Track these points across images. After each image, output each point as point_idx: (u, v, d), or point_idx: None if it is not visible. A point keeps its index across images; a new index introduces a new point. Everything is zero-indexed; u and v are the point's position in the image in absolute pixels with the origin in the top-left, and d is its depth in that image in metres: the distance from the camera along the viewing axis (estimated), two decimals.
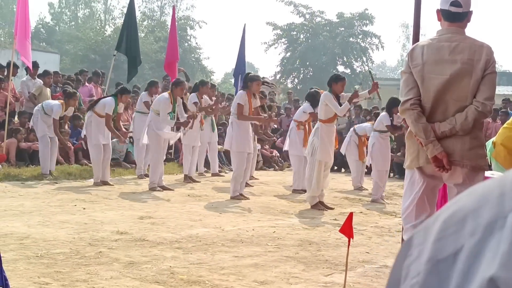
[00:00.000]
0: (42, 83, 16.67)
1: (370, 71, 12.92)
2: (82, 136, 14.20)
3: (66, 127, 14.71)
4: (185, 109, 13.24)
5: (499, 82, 39.22)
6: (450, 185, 5.08)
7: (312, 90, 13.63)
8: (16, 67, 16.33)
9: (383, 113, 13.02)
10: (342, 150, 14.67)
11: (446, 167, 4.89)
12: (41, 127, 13.58)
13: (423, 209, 5.12)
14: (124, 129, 14.10)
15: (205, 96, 15.14)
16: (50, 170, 13.58)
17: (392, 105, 12.64)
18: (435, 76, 4.94)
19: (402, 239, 5.36)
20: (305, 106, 13.66)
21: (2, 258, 3.85)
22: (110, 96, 13.43)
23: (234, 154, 11.96)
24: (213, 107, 14.82)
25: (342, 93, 11.02)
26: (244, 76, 12.70)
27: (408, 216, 5.18)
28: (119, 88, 13.85)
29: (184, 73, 18.38)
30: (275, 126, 19.28)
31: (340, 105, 10.88)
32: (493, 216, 0.73)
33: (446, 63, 4.91)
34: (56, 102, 13.64)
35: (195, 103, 14.51)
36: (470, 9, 5.05)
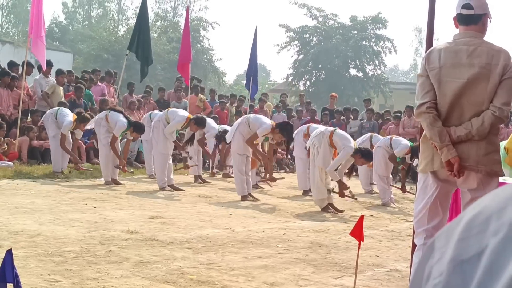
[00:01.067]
0: (55, 81, 16.74)
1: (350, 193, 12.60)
2: (87, 127, 14.20)
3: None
4: (192, 140, 13.38)
5: None
6: (464, 190, 5.04)
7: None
8: (30, 66, 16.40)
9: (405, 144, 12.53)
10: None
11: (455, 173, 4.86)
12: (53, 127, 13.64)
13: (436, 214, 5.09)
14: (125, 163, 13.87)
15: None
16: (61, 169, 13.63)
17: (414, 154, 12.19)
18: (452, 79, 4.92)
19: (413, 243, 5.33)
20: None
21: (13, 255, 3.87)
22: (126, 119, 13.24)
23: (235, 154, 12.01)
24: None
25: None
26: (282, 123, 12.52)
27: (420, 220, 5.15)
28: (137, 123, 13.64)
29: (196, 78, 18.51)
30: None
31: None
32: None
33: (463, 67, 4.89)
34: (69, 118, 13.56)
35: None
36: (485, 12, 5.02)
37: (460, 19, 5.04)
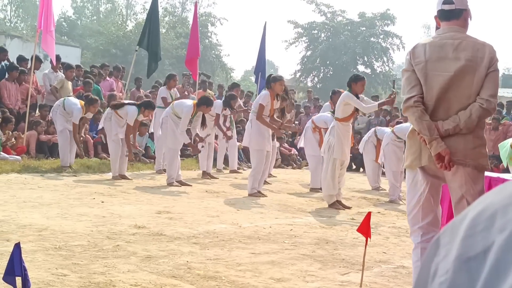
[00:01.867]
0: (64, 76, 16.77)
1: (394, 81, 12.73)
2: (99, 128, 14.21)
3: (83, 132, 14.59)
4: (204, 122, 13.34)
5: (506, 84, 38.78)
6: (454, 187, 5.01)
7: (335, 90, 13.70)
8: (38, 60, 16.42)
9: (408, 125, 12.79)
10: (360, 149, 14.58)
11: (447, 165, 4.84)
12: (60, 121, 13.64)
13: (430, 210, 5.07)
14: (137, 144, 14.01)
15: (174, 89, 15.57)
16: (69, 163, 13.64)
17: None
18: (438, 73, 4.91)
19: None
20: (326, 105, 13.74)
21: (21, 248, 3.88)
22: (134, 105, 13.34)
23: (254, 151, 11.99)
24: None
25: (362, 95, 10.96)
26: (267, 77, 12.72)
27: (414, 217, 5.13)
28: (145, 101, 13.78)
29: (204, 74, 18.51)
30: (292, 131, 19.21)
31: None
32: None
33: (449, 60, 4.88)
34: (77, 105, 13.52)
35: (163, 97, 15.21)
36: (466, 8, 5.03)
37: (442, 15, 5.06)
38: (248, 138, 12.22)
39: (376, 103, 10.93)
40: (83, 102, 13.65)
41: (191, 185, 12.57)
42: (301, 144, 14.62)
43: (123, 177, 12.90)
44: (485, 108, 4.78)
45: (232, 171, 16.02)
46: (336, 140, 10.84)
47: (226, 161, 16.49)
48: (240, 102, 15.62)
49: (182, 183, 12.61)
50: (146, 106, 13.23)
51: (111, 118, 13.07)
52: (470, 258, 0.74)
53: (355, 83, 10.85)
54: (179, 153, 13.01)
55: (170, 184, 12.42)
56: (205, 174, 14.43)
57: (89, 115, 14.16)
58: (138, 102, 13.56)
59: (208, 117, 13.85)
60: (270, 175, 14.99)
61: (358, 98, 10.87)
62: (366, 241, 5.64)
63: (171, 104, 13.34)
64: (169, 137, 12.74)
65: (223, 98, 15.84)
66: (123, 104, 13.31)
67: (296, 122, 18.37)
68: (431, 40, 5.04)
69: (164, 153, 14.23)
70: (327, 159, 11.00)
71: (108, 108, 13.41)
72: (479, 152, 4.89)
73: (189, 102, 13.05)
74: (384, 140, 12.90)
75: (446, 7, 5.00)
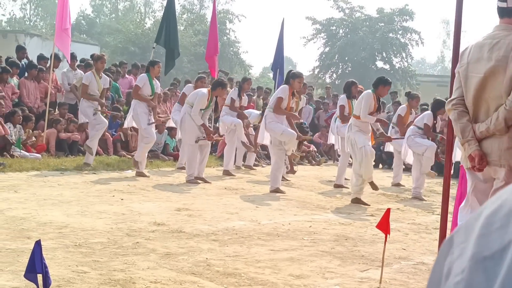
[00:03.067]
0: (83, 74, 16.85)
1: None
2: (129, 125, 14.16)
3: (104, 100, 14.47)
4: (216, 109, 13.31)
5: None
6: (495, 187, 4.98)
7: (349, 81, 13.70)
8: (58, 59, 16.49)
9: (428, 112, 12.88)
10: (387, 147, 14.43)
11: (477, 167, 4.82)
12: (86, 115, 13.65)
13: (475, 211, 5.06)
14: (159, 117, 14.03)
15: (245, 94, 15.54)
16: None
17: (437, 107, 12.54)
18: (474, 75, 4.86)
19: (440, 236, 5.30)
20: (341, 98, 13.74)
21: (42, 246, 3.91)
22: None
23: (273, 148, 12.01)
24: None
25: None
26: (287, 73, 12.71)
27: (462, 216, 5.13)
28: (148, 63, 13.76)
29: (222, 72, 18.51)
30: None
31: (379, 108, 10.94)
32: None
33: (484, 61, 4.81)
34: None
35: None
36: None
37: (498, 12, 4.98)
38: (263, 136, 12.25)
39: (375, 118, 10.99)
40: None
41: (210, 182, 12.55)
42: (331, 141, 14.66)
43: (140, 174, 12.85)
44: (508, 109, 4.70)
45: (247, 167, 16.00)
46: (356, 135, 10.86)
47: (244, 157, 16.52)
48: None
49: (202, 180, 12.55)
50: (151, 64, 13.35)
51: (136, 109, 12.95)
52: (486, 257, 0.73)
53: (384, 86, 10.92)
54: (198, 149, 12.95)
55: (189, 181, 12.40)
56: (227, 172, 14.42)
57: (105, 80, 14.08)
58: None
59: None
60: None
61: (379, 101, 10.94)
62: (386, 237, 5.62)
63: (186, 100, 13.27)
64: (188, 133, 12.71)
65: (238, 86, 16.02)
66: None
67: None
68: (478, 40, 4.99)
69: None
70: (355, 155, 11.01)
71: (132, 101, 13.30)
72: None
73: (204, 90, 12.98)
74: (406, 134, 12.81)
75: (499, 4, 4.93)
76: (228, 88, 18.49)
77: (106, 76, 14.50)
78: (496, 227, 0.74)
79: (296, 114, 12.45)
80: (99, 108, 13.60)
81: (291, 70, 12.85)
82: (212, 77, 19.19)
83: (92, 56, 14.69)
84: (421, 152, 12.46)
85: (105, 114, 14.32)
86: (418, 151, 12.55)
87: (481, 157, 4.81)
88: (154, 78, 13.23)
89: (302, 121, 15.66)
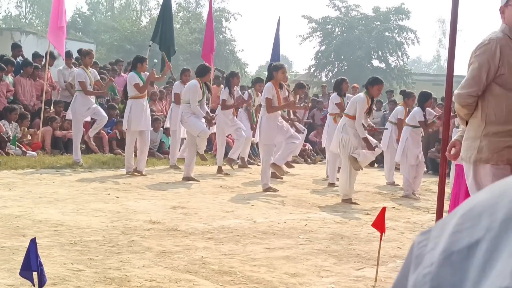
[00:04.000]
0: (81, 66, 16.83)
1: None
2: (125, 127, 14.14)
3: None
4: (209, 90, 13.27)
5: None
6: None
7: (339, 78, 13.71)
8: (53, 57, 16.46)
9: (416, 108, 12.78)
10: (384, 148, 14.29)
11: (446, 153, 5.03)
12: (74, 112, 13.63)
13: None
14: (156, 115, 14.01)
15: (236, 88, 15.39)
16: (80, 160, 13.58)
17: (424, 100, 12.55)
18: None
19: None
20: (333, 97, 13.74)
21: (37, 244, 3.91)
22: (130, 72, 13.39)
23: (262, 146, 12.00)
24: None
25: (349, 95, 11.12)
26: (268, 67, 12.69)
27: None
28: (134, 59, 13.66)
29: (218, 70, 18.49)
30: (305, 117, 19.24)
31: (371, 110, 10.96)
32: (509, 212, 0.74)
33: None
34: (77, 70, 14.12)
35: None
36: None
37: None
38: (258, 134, 12.25)
39: (365, 132, 10.96)
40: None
41: (199, 181, 12.48)
42: (324, 143, 14.66)
43: (136, 171, 12.82)
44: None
45: (242, 165, 16.00)
46: (350, 137, 10.81)
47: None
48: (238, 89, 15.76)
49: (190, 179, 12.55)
50: (137, 61, 13.31)
51: (131, 109, 12.94)
52: (453, 252, 0.76)
53: (372, 86, 10.88)
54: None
55: (186, 179, 12.39)
56: (220, 170, 14.41)
57: (94, 73, 14.12)
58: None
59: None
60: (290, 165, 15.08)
61: (373, 101, 10.95)
62: (381, 236, 5.63)
63: (182, 99, 13.24)
64: (192, 128, 12.63)
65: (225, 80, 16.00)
66: (125, 87, 13.51)
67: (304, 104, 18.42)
68: None
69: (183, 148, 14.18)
70: (344, 157, 10.97)
71: (128, 101, 13.28)
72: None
73: (193, 81, 12.93)
74: (402, 136, 12.78)
75: None
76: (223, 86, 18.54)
77: (94, 69, 14.50)
78: (467, 225, 0.78)
79: (290, 102, 12.38)
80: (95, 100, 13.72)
81: (271, 64, 12.78)
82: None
83: (79, 51, 14.63)
84: (409, 163, 12.55)
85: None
86: (408, 160, 12.58)
87: (452, 144, 4.97)
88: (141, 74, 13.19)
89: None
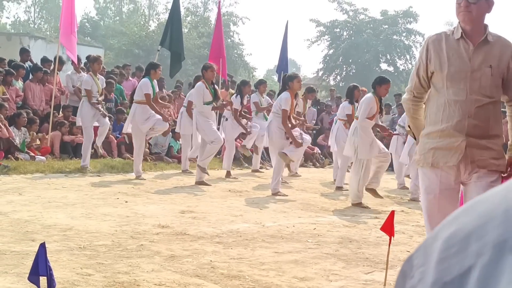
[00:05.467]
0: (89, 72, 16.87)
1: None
2: (126, 131, 14.14)
3: (100, 98, 14.29)
4: (216, 94, 13.24)
5: None
6: None
7: (351, 85, 13.67)
8: (61, 62, 16.50)
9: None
10: (393, 151, 14.16)
11: None
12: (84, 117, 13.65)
13: None
14: (166, 114, 13.98)
15: (247, 96, 15.43)
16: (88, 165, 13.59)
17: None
18: None
19: None
20: (345, 105, 13.70)
21: (46, 248, 3.91)
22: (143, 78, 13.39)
23: (272, 151, 12.01)
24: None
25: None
26: (283, 78, 12.68)
27: None
28: (148, 65, 13.68)
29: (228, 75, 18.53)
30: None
31: (381, 109, 10.96)
32: (501, 234, 0.70)
33: None
34: (84, 77, 14.18)
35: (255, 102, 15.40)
36: None
37: None
38: (268, 138, 12.23)
39: (373, 122, 11.04)
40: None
41: (210, 185, 12.49)
42: (333, 148, 14.61)
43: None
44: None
45: (254, 171, 16.01)
46: (360, 141, 10.80)
47: (249, 160, 16.55)
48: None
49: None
50: (151, 67, 13.31)
51: (135, 113, 12.97)
52: (446, 283, 0.72)
53: (380, 86, 10.86)
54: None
55: (199, 183, 12.40)
56: (229, 174, 14.41)
57: (102, 81, 14.15)
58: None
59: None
60: (295, 174, 15.08)
61: (381, 100, 10.93)
62: (390, 240, 5.62)
63: (194, 104, 13.25)
64: (205, 134, 12.65)
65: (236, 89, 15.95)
66: (134, 90, 13.51)
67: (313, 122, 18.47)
68: None
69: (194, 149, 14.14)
70: (356, 162, 10.98)
71: (132, 105, 13.31)
72: None
73: (198, 83, 12.92)
74: (410, 138, 12.75)
75: None
76: (232, 90, 18.57)
77: (102, 77, 14.52)
78: (454, 251, 0.73)
79: (302, 118, 12.38)
80: (100, 109, 13.65)
81: (286, 75, 12.79)
82: (223, 78, 19.16)
83: (88, 57, 14.69)
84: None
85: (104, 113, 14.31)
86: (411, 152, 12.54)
87: None
88: (154, 80, 13.22)
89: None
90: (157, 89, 13.50)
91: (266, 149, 16.88)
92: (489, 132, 4.69)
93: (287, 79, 11.93)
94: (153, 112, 12.90)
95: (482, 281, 0.68)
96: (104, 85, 14.35)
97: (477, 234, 0.72)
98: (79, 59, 17.32)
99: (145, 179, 12.67)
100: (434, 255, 0.76)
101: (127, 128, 13.38)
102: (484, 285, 0.68)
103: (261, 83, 16.07)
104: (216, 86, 13.28)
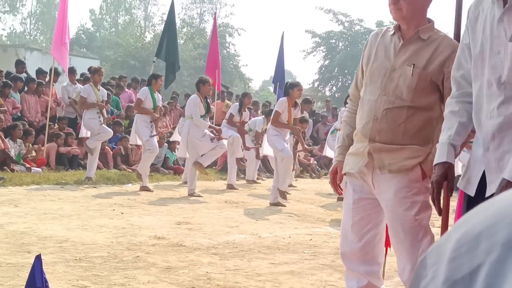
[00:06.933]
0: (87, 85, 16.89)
1: None
2: (133, 142, 14.16)
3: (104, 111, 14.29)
4: (209, 110, 13.26)
5: None
6: None
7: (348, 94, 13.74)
8: (57, 73, 16.51)
9: None
10: None
11: None
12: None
13: None
14: (160, 130, 14.06)
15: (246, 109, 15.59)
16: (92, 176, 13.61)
17: None
18: None
19: None
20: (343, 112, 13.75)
21: (42, 260, 3.91)
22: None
23: (280, 161, 12.03)
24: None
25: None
26: (285, 85, 12.79)
27: None
28: (149, 76, 13.77)
29: (223, 85, 18.58)
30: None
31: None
32: (509, 233, 0.72)
33: None
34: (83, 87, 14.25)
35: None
36: None
37: None
38: (267, 147, 12.29)
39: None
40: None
41: (202, 196, 12.48)
42: (325, 152, 14.64)
43: (145, 188, 12.81)
44: None
45: (250, 181, 15.99)
46: None
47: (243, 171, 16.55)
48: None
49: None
50: (153, 77, 13.42)
51: (137, 122, 13.02)
52: (456, 281, 0.74)
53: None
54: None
55: (191, 194, 12.39)
56: (231, 186, 14.35)
57: (103, 92, 14.18)
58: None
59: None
60: (290, 185, 15.07)
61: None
62: (386, 250, 5.61)
63: (186, 115, 13.29)
64: (196, 145, 12.68)
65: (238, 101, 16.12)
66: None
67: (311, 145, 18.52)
68: None
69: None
70: None
71: (135, 116, 13.36)
72: None
73: (193, 96, 13.06)
74: None
75: None
76: (228, 102, 18.59)
77: (103, 89, 14.55)
78: (464, 250, 0.75)
79: (297, 127, 12.37)
80: (101, 119, 13.64)
81: (287, 82, 12.95)
82: (217, 91, 19.20)
83: (89, 69, 14.78)
84: None
85: (109, 122, 14.39)
86: None
87: None
88: (156, 92, 13.26)
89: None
90: (159, 103, 13.49)
91: (263, 160, 16.90)
92: (401, 141, 3.99)
93: (288, 86, 12.09)
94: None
95: (490, 278, 0.70)
96: (106, 98, 14.39)
97: (487, 233, 0.74)
98: (74, 70, 17.34)
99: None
100: (446, 255, 0.78)
101: (136, 139, 13.45)
102: (492, 282, 0.70)
103: (245, 96, 16.06)
104: (208, 100, 13.31)
